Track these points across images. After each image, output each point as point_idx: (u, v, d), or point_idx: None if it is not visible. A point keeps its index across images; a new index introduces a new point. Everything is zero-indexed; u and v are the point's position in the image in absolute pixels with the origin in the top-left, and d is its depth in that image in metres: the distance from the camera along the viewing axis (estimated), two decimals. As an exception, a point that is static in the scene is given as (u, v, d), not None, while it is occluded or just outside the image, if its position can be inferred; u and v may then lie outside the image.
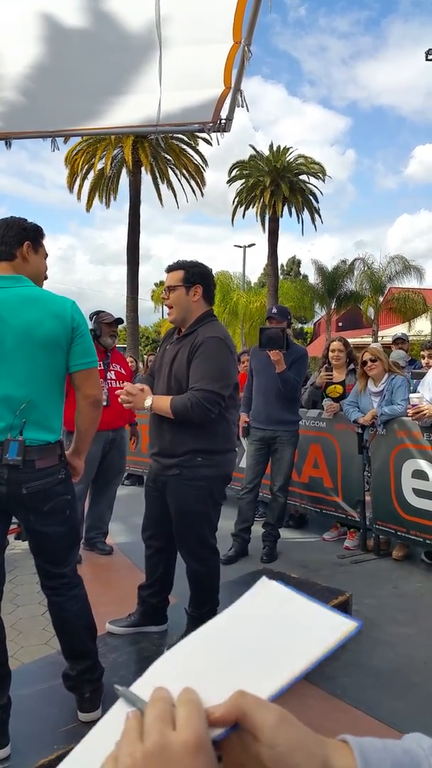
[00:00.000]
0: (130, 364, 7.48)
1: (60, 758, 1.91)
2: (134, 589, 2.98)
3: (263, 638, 0.49)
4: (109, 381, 4.41)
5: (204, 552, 2.70)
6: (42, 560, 2.16)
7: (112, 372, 4.49)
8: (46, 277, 2.26)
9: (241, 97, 3.55)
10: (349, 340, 5.51)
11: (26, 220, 2.19)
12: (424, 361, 5.20)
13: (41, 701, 2.29)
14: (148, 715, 0.44)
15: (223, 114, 3.87)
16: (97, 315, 4.46)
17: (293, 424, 4.46)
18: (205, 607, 2.72)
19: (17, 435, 1.99)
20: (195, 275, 2.71)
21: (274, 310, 4.59)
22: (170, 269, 2.75)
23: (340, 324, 32.28)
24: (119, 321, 4.52)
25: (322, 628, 0.48)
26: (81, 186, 21.39)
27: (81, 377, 2.15)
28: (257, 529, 4.67)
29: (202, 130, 4.05)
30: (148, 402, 2.60)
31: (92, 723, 1.83)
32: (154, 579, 2.85)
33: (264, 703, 0.44)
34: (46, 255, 2.25)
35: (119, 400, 2.68)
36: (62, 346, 2.08)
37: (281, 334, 4.17)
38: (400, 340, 6.97)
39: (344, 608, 3.29)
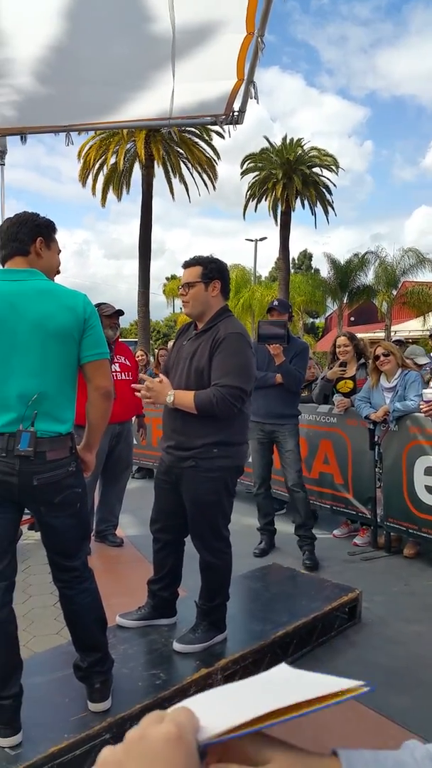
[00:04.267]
0: (140, 358, 7.52)
1: (70, 747, 1.94)
2: (144, 580, 3.00)
3: (272, 690, 0.51)
4: (113, 374, 4.42)
5: (218, 544, 2.71)
6: (53, 553, 2.17)
7: (117, 364, 4.50)
8: (58, 272, 2.27)
9: (254, 89, 3.53)
10: (362, 335, 5.48)
11: (38, 215, 2.20)
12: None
13: (52, 690, 2.31)
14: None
15: (236, 106, 3.85)
16: (97, 307, 4.47)
17: (293, 418, 4.44)
18: (215, 600, 2.73)
19: (29, 426, 2.00)
20: (213, 270, 2.71)
21: (275, 303, 4.58)
22: (187, 265, 2.75)
23: (352, 319, 32.11)
24: (119, 313, 4.51)
25: (331, 683, 0.50)
26: (95, 180, 21.41)
27: (92, 368, 2.17)
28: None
29: (214, 123, 4.04)
30: (170, 397, 2.59)
31: (102, 713, 1.84)
32: (164, 572, 2.86)
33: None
34: (59, 250, 2.27)
35: (138, 395, 2.67)
36: (75, 337, 2.09)
37: (281, 328, 4.14)
38: None
39: (354, 605, 3.28)
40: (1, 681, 2.00)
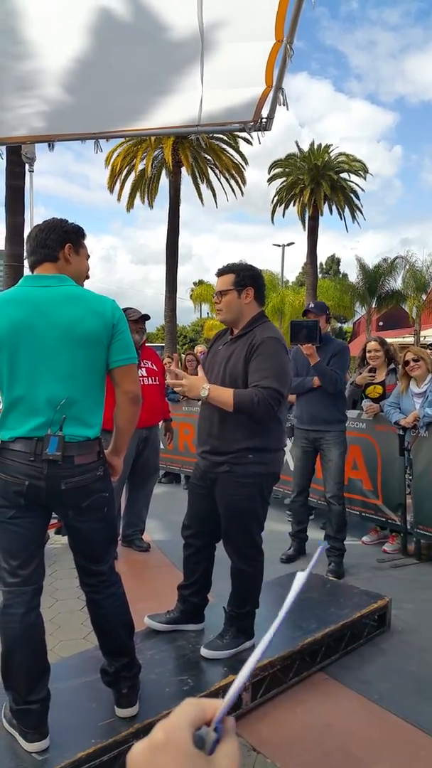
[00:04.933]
0: (166, 364, 7.53)
1: (98, 753, 1.94)
2: (171, 586, 2.99)
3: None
4: (140, 378, 4.42)
5: (250, 551, 2.69)
6: (80, 557, 2.18)
7: (143, 369, 4.50)
8: (87, 277, 2.29)
9: (282, 95, 3.53)
10: (390, 340, 5.41)
11: (67, 221, 2.22)
12: None
13: (79, 695, 2.32)
14: None
15: (264, 113, 3.85)
16: (123, 312, 4.47)
17: (339, 424, 4.28)
18: (245, 607, 2.71)
19: (57, 430, 2.02)
20: (246, 278, 2.70)
21: (311, 305, 4.50)
22: (220, 273, 2.74)
23: (380, 323, 31.79)
24: (146, 317, 4.52)
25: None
26: (122, 186, 21.65)
27: (121, 373, 2.17)
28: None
29: (243, 130, 4.04)
30: (204, 391, 2.52)
31: (129, 719, 1.85)
32: (195, 578, 2.85)
33: None
34: (88, 256, 2.28)
35: (168, 383, 2.63)
36: (103, 342, 2.10)
37: (313, 327, 4.08)
38: None
39: (383, 613, 3.23)
40: (28, 685, 2.01)
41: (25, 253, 2.25)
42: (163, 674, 2.47)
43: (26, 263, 2.25)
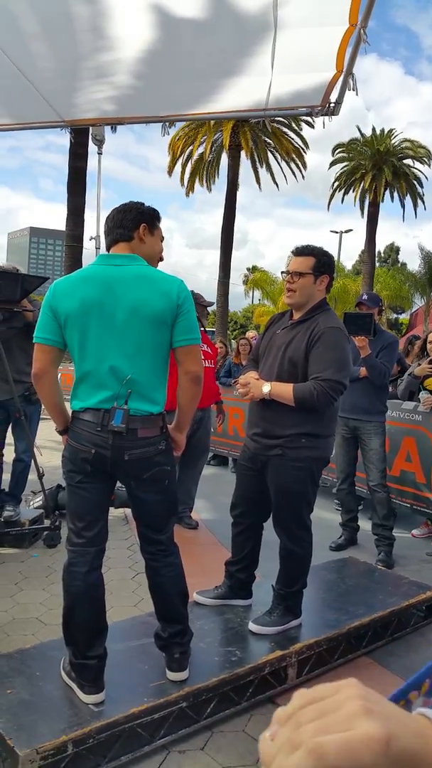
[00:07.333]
0: (220, 349, 7.60)
1: (150, 710, 2.04)
2: (219, 563, 3.08)
3: None
4: None
5: (300, 532, 2.74)
6: (142, 525, 2.30)
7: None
8: (161, 259, 2.36)
9: (352, 80, 3.48)
10: (450, 332, 5.29)
11: (143, 204, 2.30)
12: None
13: (133, 657, 2.43)
14: None
15: (333, 97, 3.80)
16: (193, 294, 4.62)
17: (379, 415, 4.28)
18: (294, 586, 2.77)
19: (123, 404, 2.11)
20: (325, 265, 2.71)
21: (365, 297, 4.46)
22: (299, 253, 2.74)
23: (438, 316, 30.85)
24: (210, 304, 4.64)
25: None
26: (183, 170, 21.70)
27: (183, 353, 2.23)
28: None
29: (310, 114, 4.00)
30: (266, 389, 2.61)
31: (180, 682, 1.95)
32: (242, 555, 2.92)
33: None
34: (162, 237, 2.35)
35: (236, 393, 2.72)
36: (167, 322, 2.17)
37: (367, 320, 4.04)
38: None
39: (431, 604, 3.23)
40: (87, 641, 2.14)
41: (102, 235, 2.34)
42: (212, 644, 2.56)
43: (92, 243, 2.34)
